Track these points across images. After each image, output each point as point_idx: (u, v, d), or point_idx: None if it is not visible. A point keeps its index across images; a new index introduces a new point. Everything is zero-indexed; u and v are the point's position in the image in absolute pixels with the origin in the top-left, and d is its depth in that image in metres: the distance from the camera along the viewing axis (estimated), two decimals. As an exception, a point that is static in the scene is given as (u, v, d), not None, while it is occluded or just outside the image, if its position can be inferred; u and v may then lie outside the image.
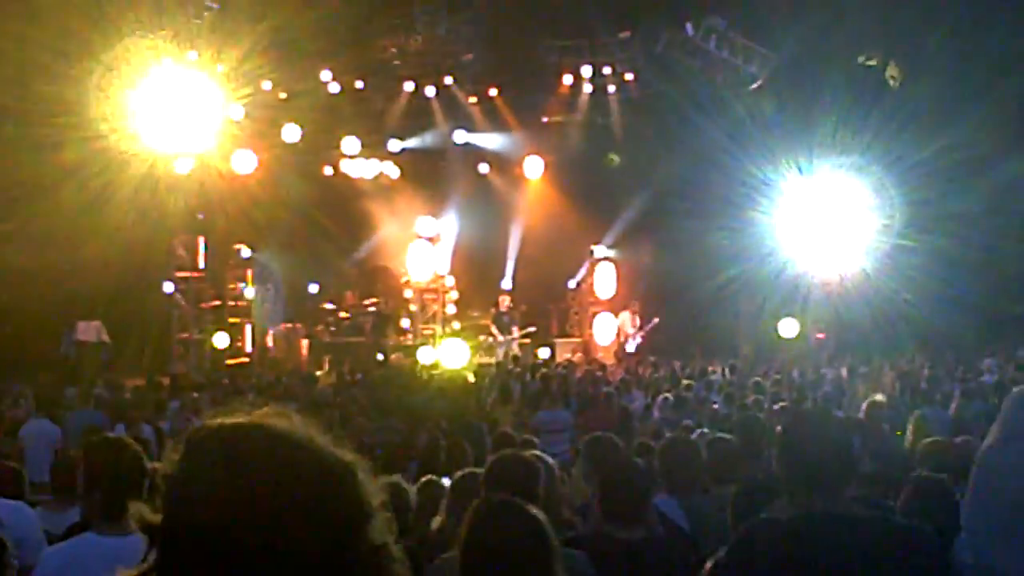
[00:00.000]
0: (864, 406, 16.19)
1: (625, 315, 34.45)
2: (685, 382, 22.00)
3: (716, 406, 18.52)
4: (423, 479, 9.08)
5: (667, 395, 19.56)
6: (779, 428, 5.17)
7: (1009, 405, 2.10)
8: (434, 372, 26.77)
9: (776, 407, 16.66)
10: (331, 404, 18.88)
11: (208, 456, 2.03)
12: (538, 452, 8.82)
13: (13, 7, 27.11)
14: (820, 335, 33.99)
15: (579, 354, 33.22)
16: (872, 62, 35.01)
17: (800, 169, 33.52)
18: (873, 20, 34.01)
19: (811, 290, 33.78)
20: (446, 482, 8.34)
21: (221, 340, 32.04)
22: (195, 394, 19.77)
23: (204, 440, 2.07)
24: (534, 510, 4.71)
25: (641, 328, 34.24)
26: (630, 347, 34.27)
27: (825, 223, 33.23)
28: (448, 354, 30.85)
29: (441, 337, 33.82)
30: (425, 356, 30.55)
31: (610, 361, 31.82)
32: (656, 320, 34.02)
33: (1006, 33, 31.64)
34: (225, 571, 1.93)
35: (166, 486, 2.05)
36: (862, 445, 9.80)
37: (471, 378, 24.19)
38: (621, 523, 6.82)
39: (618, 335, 34.60)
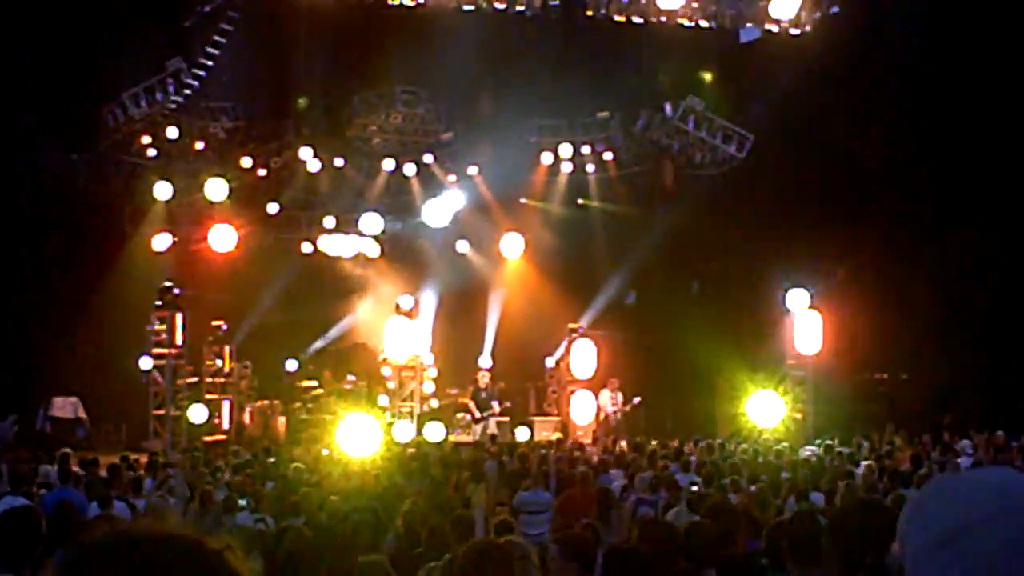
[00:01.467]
0: (840, 491, 16.23)
1: (606, 392, 34.31)
2: (660, 462, 21.94)
3: (696, 488, 18.42)
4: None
5: (644, 474, 19.52)
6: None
7: (932, 502, 2.09)
8: (410, 451, 26.66)
9: (752, 488, 16.62)
10: (307, 483, 18.78)
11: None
12: (516, 539, 8.80)
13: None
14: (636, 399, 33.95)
15: (558, 433, 33.10)
16: None
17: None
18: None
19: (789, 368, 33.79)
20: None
21: (198, 416, 31.90)
22: (169, 471, 19.69)
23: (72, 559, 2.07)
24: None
25: (625, 404, 34.09)
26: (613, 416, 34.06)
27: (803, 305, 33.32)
28: (426, 433, 30.80)
29: (419, 416, 33.74)
30: (402, 435, 30.47)
31: (588, 440, 31.72)
32: (638, 399, 33.90)
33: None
34: None
35: None
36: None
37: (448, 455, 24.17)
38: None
39: (597, 414, 34.45)
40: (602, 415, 34.08)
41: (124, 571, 1.96)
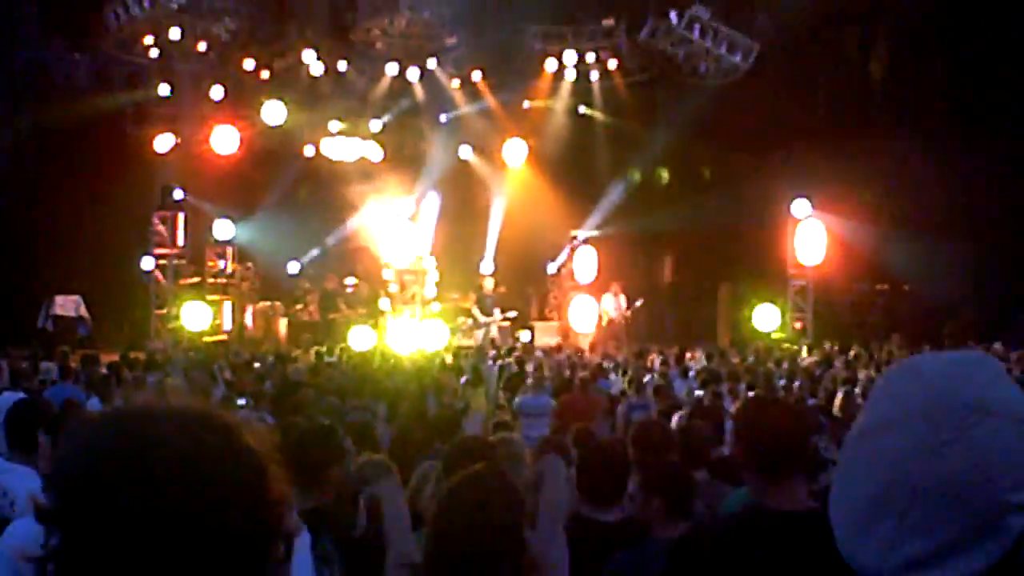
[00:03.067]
0: (838, 398, 16.28)
1: (608, 296, 34.31)
2: (660, 368, 22.07)
3: (698, 392, 18.47)
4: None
5: (649, 377, 19.64)
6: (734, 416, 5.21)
7: (877, 389, 2.07)
8: (411, 354, 26.79)
9: (750, 394, 16.68)
10: (306, 383, 18.86)
11: (82, 442, 2.02)
12: (509, 436, 8.89)
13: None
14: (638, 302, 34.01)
15: (558, 338, 33.22)
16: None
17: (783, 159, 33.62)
18: None
19: (789, 279, 33.89)
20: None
21: (199, 316, 32.01)
22: (167, 369, 19.78)
23: (78, 431, 2.07)
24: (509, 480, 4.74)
25: (628, 308, 34.08)
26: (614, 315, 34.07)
27: (805, 212, 33.33)
28: (427, 335, 30.91)
29: (421, 318, 33.86)
30: (401, 337, 30.59)
31: (587, 344, 31.82)
32: (640, 301, 33.92)
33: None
34: (124, 548, 1.92)
35: (55, 474, 2.05)
36: (830, 438, 9.82)
37: (448, 359, 24.27)
38: (598, 505, 6.89)
39: (599, 319, 34.49)
40: (604, 320, 34.15)
41: (132, 439, 1.97)
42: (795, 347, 30.60)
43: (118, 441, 1.96)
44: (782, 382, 20.51)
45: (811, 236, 33.39)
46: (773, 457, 4.80)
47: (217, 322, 32.94)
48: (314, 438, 7.02)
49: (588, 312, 34.43)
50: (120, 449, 1.94)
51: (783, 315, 33.33)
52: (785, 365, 23.82)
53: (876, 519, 1.97)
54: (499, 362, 23.55)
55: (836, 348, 28.22)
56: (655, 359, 24.63)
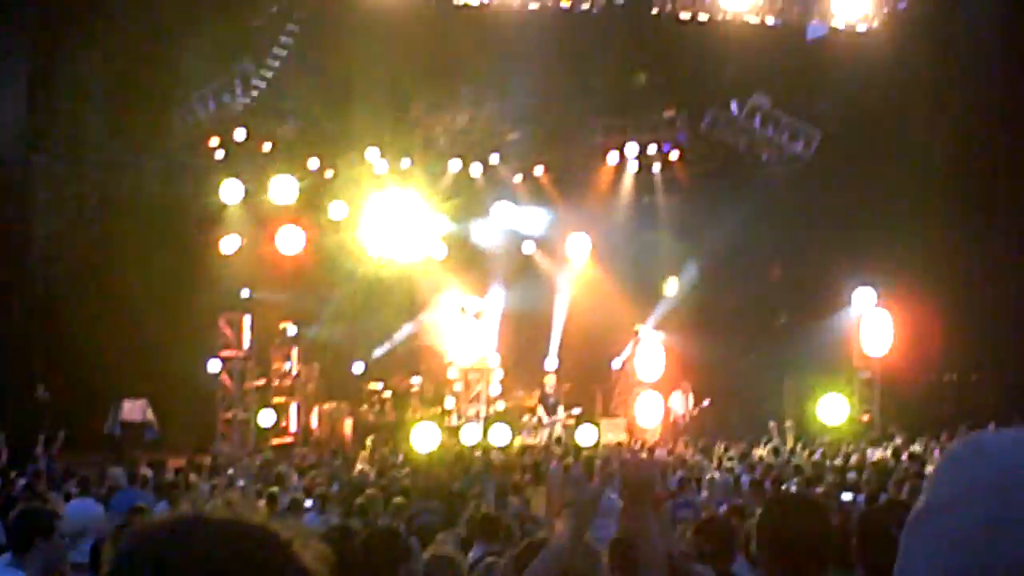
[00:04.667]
0: (905, 494, 16.06)
1: (677, 394, 34.13)
2: (727, 464, 21.89)
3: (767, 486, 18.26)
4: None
5: (714, 475, 19.47)
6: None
7: (939, 468, 1.98)
8: (477, 454, 26.73)
9: (817, 490, 16.55)
10: (372, 485, 18.83)
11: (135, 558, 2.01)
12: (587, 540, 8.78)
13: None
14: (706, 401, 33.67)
15: (623, 435, 33.02)
16: None
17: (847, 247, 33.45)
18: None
19: (856, 369, 33.63)
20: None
21: (266, 419, 32.13)
22: (231, 471, 19.84)
23: (131, 543, 2.05)
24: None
25: (696, 407, 33.87)
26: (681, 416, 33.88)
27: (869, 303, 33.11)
28: (492, 435, 30.85)
29: (485, 418, 33.82)
30: (469, 437, 30.52)
31: (654, 441, 31.59)
32: (708, 401, 33.70)
33: None
34: None
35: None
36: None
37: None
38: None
39: (667, 415, 34.28)
40: (671, 417, 33.94)
41: (183, 551, 1.95)
42: (864, 440, 30.27)
43: (168, 551, 1.95)
44: (851, 475, 20.29)
45: (877, 326, 33.14)
46: (795, 558, 4.73)
47: (283, 424, 33.03)
48: (379, 540, 7.00)
49: (654, 407, 34.24)
50: (169, 560, 1.93)
51: (850, 407, 33.05)
52: (854, 458, 23.58)
53: None
54: (563, 461, 23.39)
55: (903, 441, 27.87)
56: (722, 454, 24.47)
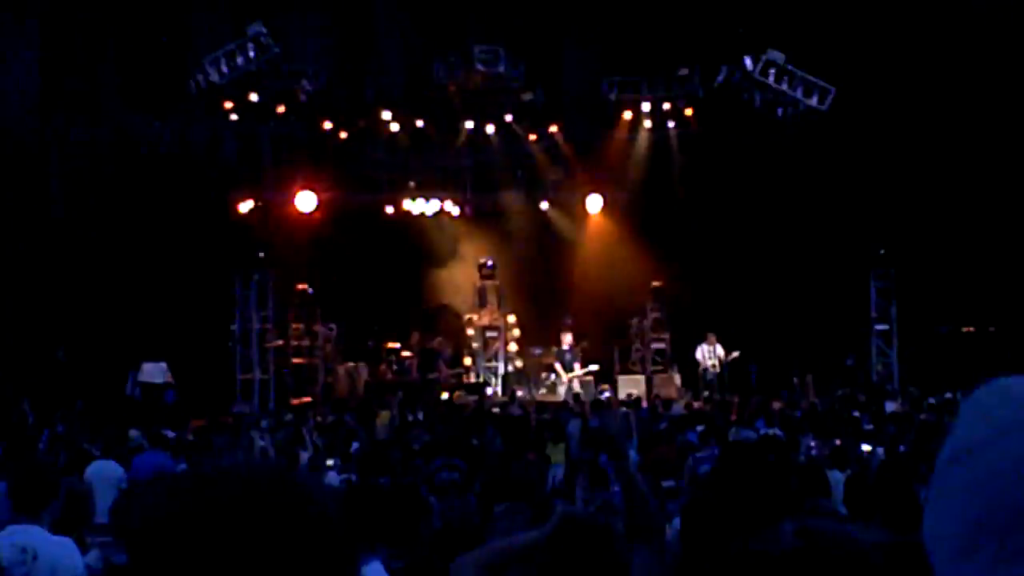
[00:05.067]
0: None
1: (704, 347, 33.94)
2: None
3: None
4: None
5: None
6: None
7: (964, 411, 1.97)
8: (495, 410, 26.83)
9: (837, 442, 16.59)
10: (392, 443, 18.91)
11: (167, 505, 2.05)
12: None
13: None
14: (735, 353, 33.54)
15: (638, 391, 33.02)
16: None
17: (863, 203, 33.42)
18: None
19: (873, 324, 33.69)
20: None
21: (285, 379, 32.28)
22: (254, 433, 19.90)
23: (153, 498, 2.09)
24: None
25: (727, 357, 33.67)
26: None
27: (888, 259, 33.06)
28: (509, 392, 30.97)
29: (504, 376, 33.93)
30: (487, 394, 30.66)
31: (673, 396, 31.59)
32: (736, 353, 33.55)
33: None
34: None
35: (128, 531, 2.06)
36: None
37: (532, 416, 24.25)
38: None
39: (695, 369, 34.16)
40: (700, 369, 33.83)
41: (201, 503, 1.99)
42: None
43: (186, 504, 1.99)
44: (868, 427, 20.34)
45: (891, 281, 33.16)
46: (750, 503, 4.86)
47: (302, 384, 33.15)
48: (398, 498, 7.06)
49: (671, 363, 34.30)
50: (189, 512, 1.97)
51: (867, 359, 33.14)
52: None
53: (974, 544, 1.91)
54: (580, 417, 23.45)
55: (921, 394, 27.91)
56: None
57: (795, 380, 31.19)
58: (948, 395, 26.65)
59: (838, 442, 16.66)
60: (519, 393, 31.99)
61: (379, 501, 6.86)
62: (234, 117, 33.97)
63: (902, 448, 16.76)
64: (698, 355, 33.70)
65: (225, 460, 16.70)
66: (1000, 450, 1.91)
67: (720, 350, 33.56)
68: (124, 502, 11.91)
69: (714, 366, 33.52)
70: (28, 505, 7.91)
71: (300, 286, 33.78)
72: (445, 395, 32.10)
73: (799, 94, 34.50)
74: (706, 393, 32.18)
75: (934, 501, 2.00)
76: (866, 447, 16.76)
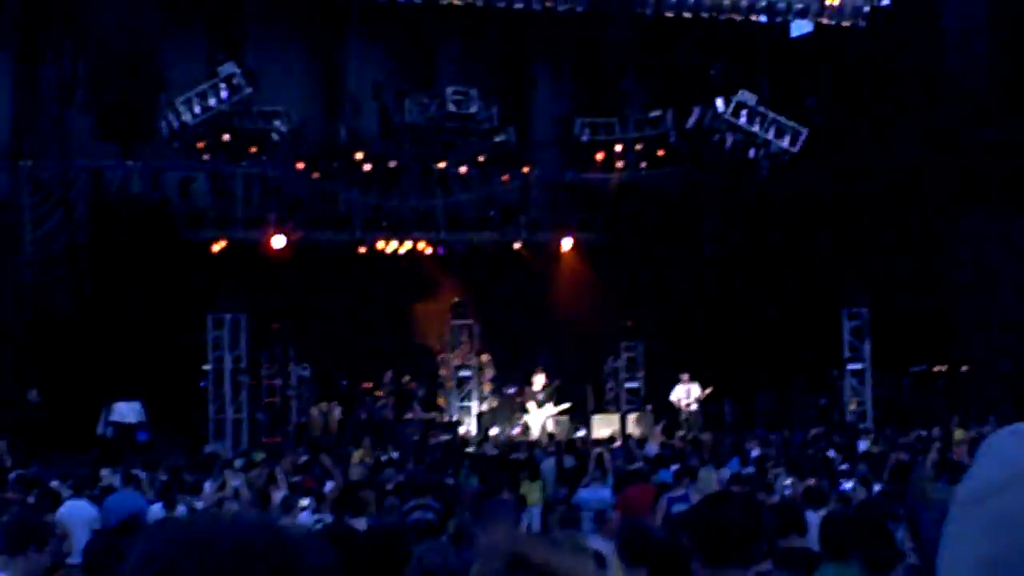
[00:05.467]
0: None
1: (680, 387, 33.92)
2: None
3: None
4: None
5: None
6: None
7: (981, 455, 1.99)
8: (468, 450, 26.83)
9: (811, 482, 16.63)
10: (365, 483, 18.86)
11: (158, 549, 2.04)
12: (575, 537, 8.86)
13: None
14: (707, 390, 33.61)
15: (612, 430, 33.02)
16: None
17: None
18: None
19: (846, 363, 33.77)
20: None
21: (258, 419, 32.20)
22: (227, 473, 19.84)
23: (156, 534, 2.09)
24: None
25: (702, 395, 33.69)
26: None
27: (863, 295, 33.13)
28: (483, 431, 30.97)
29: (478, 415, 33.89)
30: (461, 433, 30.66)
31: (651, 435, 31.55)
32: (710, 389, 33.59)
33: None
34: None
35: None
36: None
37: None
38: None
39: (670, 408, 34.17)
40: (677, 410, 33.84)
41: (201, 554, 1.99)
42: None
43: (177, 560, 1.99)
44: (844, 466, 20.36)
45: (865, 321, 33.27)
46: (721, 549, 4.94)
47: (275, 424, 33.08)
48: (381, 540, 7.05)
49: (647, 402, 34.35)
50: (179, 569, 1.97)
51: (840, 398, 33.28)
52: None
53: None
54: (555, 456, 23.46)
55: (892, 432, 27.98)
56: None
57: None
58: (922, 433, 26.72)
59: (812, 481, 16.68)
60: (493, 432, 32.05)
61: (358, 546, 6.85)
62: (206, 157, 33.97)
63: (876, 487, 16.78)
64: (673, 397, 33.72)
65: (213, 511, 16.62)
66: (1016, 493, 1.93)
67: (696, 389, 33.63)
68: (98, 543, 11.84)
69: (688, 405, 33.58)
70: (12, 548, 7.89)
71: (274, 326, 33.69)
72: (417, 436, 32.12)
73: (771, 135, 34.70)
74: (681, 432, 32.12)
75: (950, 542, 2.01)
76: (847, 485, 16.77)
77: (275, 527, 2.07)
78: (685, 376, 33.67)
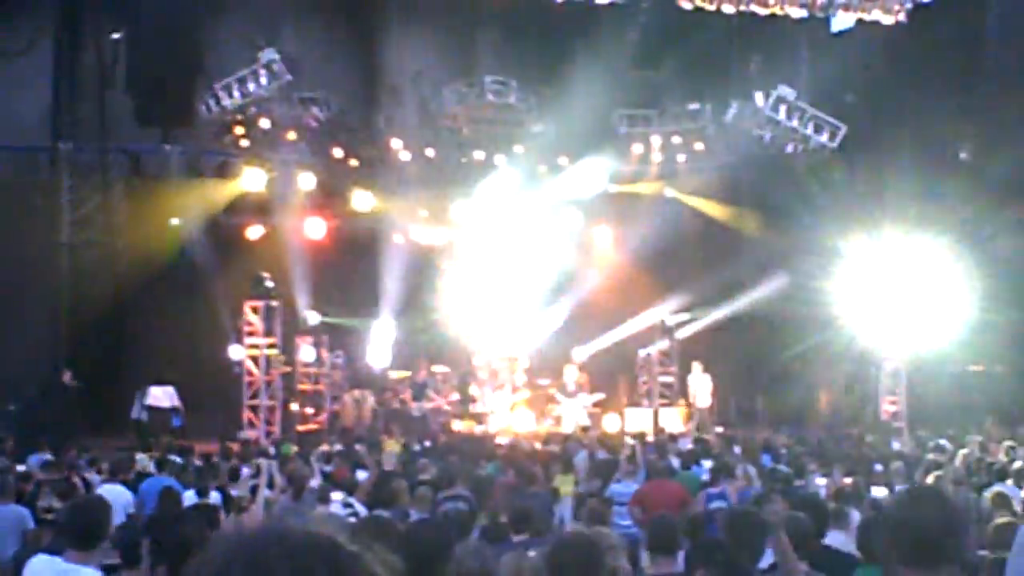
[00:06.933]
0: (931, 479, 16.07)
1: (690, 377, 34.00)
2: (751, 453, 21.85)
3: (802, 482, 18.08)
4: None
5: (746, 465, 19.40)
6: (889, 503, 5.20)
7: None
8: (501, 441, 26.81)
9: (847, 480, 16.59)
10: (398, 473, 18.85)
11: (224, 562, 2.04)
12: (604, 530, 8.83)
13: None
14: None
15: (645, 424, 33.00)
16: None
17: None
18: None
19: (882, 362, 33.55)
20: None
21: (291, 406, 32.27)
22: (262, 461, 19.86)
23: (222, 546, 2.09)
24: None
25: (715, 392, 33.77)
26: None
27: (897, 294, 32.82)
28: (516, 423, 30.96)
29: (510, 406, 33.86)
30: (493, 425, 30.65)
31: (680, 430, 31.54)
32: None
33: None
34: None
35: None
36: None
37: (538, 447, 24.22)
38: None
39: (690, 403, 34.25)
40: (693, 399, 33.92)
41: (263, 567, 1.99)
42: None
43: (249, 566, 1.99)
44: (878, 467, 20.26)
45: (900, 319, 33.09)
46: (922, 552, 4.77)
47: (308, 412, 33.14)
48: (425, 533, 7.04)
49: (679, 397, 34.31)
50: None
51: (876, 400, 33.12)
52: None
53: None
54: (590, 449, 23.40)
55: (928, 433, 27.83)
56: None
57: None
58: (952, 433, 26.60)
59: (848, 480, 16.65)
60: (526, 423, 32.08)
61: (402, 537, 6.85)
62: (245, 143, 34.04)
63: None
64: (691, 385, 33.89)
65: (271, 525, 16.61)
66: None
67: (708, 381, 33.70)
68: (132, 526, 11.90)
69: (694, 395, 33.70)
70: (85, 543, 7.86)
71: (307, 312, 33.74)
72: (453, 425, 32.25)
73: (809, 131, 34.56)
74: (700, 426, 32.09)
75: (1016, 562, 2.01)
76: (878, 491, 16.65)
77: (334, 545, 2.06)
78: (696, 366, 33.76)
